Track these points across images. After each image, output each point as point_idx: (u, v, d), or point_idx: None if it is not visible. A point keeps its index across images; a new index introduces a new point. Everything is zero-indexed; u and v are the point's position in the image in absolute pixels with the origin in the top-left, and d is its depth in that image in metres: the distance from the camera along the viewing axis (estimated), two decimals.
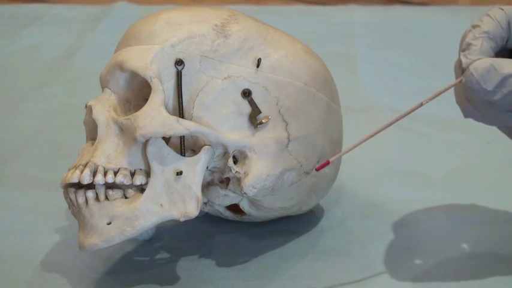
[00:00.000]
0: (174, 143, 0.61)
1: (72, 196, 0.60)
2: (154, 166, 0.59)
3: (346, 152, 0.60)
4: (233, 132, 0.61)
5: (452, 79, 0.60)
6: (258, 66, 0.62)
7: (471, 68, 0.57)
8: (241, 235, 0.69)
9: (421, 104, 0.60)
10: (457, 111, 0.99)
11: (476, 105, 0.59)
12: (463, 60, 0.58)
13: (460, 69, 0.59)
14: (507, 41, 0.60)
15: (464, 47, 0.59)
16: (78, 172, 0.59)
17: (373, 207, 0.74)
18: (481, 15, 0.60)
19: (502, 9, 0.59)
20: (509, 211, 0.72)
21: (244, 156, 0.61)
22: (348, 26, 1.31)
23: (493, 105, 0.58)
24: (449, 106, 0.98)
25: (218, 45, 0.62)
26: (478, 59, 0.57)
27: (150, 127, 0.59)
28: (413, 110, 0.60)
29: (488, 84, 0.56)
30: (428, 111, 0.96)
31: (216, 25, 0.62)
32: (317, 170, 0.61)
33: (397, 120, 0.60)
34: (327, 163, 0.60)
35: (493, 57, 0.58)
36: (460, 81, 0.58)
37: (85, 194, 0.59)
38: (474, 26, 0.59)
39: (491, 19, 0.59)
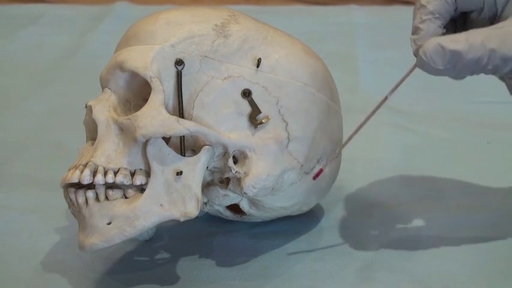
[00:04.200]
0: (174, 143, 0.61)
1: (72, 196, 0.60)
2: (154, 166, 0.59)
3: (332, 159, 0.61)
4: (233, 132, 0.61)
5: None
6: (258, 66, 0.62)
7: (420, 52, 0.59)
8: (241, 235, 0.69)
9: (386, 98, 0.61)
10: (456, 111, 1.00)
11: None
12: (413, 46, 0.60)
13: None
14: (456, 9, 0.61)
15: (412, 31, 0.61)
16: (78, 172, 0.59)
17: (373, 207, 0.74)
18: None
19: None
20: (509, 211, 0.72)
21: (244, 156, 0.61)
22: (348, 26, 1.31)
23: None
24: (449, 106, 0.99)
25: (218, 45, 0.62)
26: (425, 42, 0.59)
27: (150, 127, 0.59)
28: (380, 105, 0.62)
29: (439, 64, 0.58)
30: (428, 111, 0.97)
31: (216, 25, 0.62)
32: (314, 179, 0.62)
33: (367, 119, 0.62)
34: (321, 171, 0.61)
35: (442, 34, 0.60)
36: (415, 66, 0.60)
37: (85, 194, 0.60)
38: (421, 6, 0.61)
39: None
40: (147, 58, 0.60)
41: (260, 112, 0.61)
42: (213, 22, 0.62)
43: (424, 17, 0.60)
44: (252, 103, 0.61)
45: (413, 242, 0.68)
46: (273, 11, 1.40)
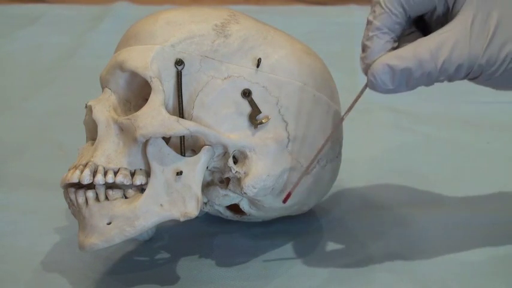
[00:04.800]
0: (174, 143, 0.61)
1: (72, 196, 0.60)
2: (154, 166, 0.59)
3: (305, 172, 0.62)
4: (233, 132, 0.61)
5: None
6: (258, 66, 0.62)
7: (369, 74, 0.57)
8: (241, 235, 0.69)
9: (343, 119, 0.61)
10: (456, 111, 1.00)
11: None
12: (361, 65, 0.58)
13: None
14: (409, 17, 0.58)
15: (362, 48, 0.58)
16: (78, 172, 0.59)
17: (373, 207, 0.74)
18: (374, 2, 0.58)
19: None
20: (509, 211, 0.72)
21: (244, 156, 0.61)
22: (348, 26, 1.31)
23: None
24: (449, 106, 0.99)
25: (218, 45, 0.62)
26: (374, 61, 0.57)
27: (150, 127, 0.59)
28: (337, 127, 0.63)
29: (389, 84, 0.57)
30: (428, 111, 0.97)
31: (216, 25, 0.62)
32: (284, 202, 0.62)
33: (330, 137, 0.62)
34: (289, 194, 0.61)
35: (392, 48, 0.58)
36: (366, 86, 0.58)
37: (85, 194, 0.60)
38: (368, 22, 0.58)
39: (382, 8, 0.57)
40: (147, 58, 0.60)
41: (260, 112, 0.61)
42: (213, 22, 0.62)
43: (371, 34, 0.57)
44: (252, 103, 0.61)
45: (413, 242, 0.68)
46: (273, 11, 1.40)
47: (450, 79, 0.57)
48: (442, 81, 0.57)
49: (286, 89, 0.62)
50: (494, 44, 0.56)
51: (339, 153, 0.69)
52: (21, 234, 0.70)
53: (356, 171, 0.80)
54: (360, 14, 1.36)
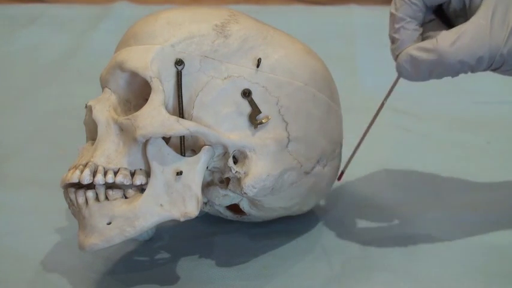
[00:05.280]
0: (174, 143, 0.61)
1: (72, 196, 0.60)
2: (154, 166, 0.59)
3: None
4: (233, 132, 0.61)
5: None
6: (258, 66, 0.62)
7: (396, 64, 0.61)
8: (241, 235, 0.69)
9: (383, 104, 0.66)
10: (456, 111, 1.00)
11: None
12: (393, 56, 0.62)
13: None
14: (426, 6, 0.62)
15: (391, 40, 0.62)
16: (78, 172, 0.59)
17: (373, 207, 0.74)
18: None
19: None
20: (509, 211, 0.72)
21: (244, 156, 0.61)
22: (348, 26, 1.31)
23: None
24: (449, 106, 0.99)
25: (218, 45, 0.62)
26: (401, 52, 0.61)
27: (150, 127, 0.59)
28: (378, 112, 0.67)
29: (414, 73, 0.61)
30: (428, 111, 0.97)
31: (216, 25, 0.62)
32: (338, 180, 0.66)
33: (370, 126, 0.68)
34: (342, 173, 0.65)
35: (420, 34, 0.62)
36: (398, 77, 0.63)
37: (85, 194, 0.59)
38: (391, 15, 0.62)
39: (402, 0, 0.61)
40: (147, 58, 0.60)
41: (260, 112, 0.61)
42: (213, 22, 0.62)
43: (397, 25, 0.61)
44: (252, 103, 0.61)
45: (413, 242, 0.68)
46: (273, 11, 1.40)
47: (473, 70, 0.60)
48: (465, 72, 0.60)
49: (286, 89, 0.62)
50: None
51: (339, 153, 0.69)
52: (21, 234, 0.70)
53: (356, 171, 0.80)
54: (360, 14, 1.36)
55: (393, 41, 0.62)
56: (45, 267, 0.65)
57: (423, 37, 0.62)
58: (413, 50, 0.60)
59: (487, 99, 0.98)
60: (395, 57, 0.62)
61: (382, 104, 0.65)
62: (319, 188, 0.67)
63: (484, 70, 0.60)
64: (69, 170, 0.61)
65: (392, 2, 0.62)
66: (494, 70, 0.61)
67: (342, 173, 0.69)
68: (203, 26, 0.62)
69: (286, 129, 0.62)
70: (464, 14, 0.61)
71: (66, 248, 0.67)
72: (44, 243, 0.68)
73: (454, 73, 0.60)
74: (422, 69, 0.60)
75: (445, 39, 0.59)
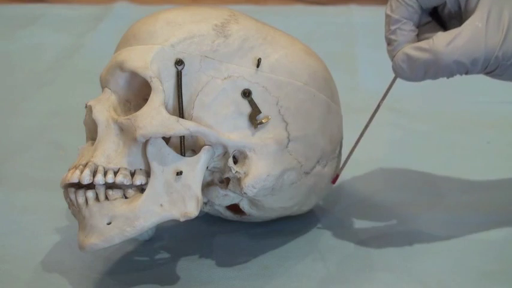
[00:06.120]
0: (174, 143, 0.61)
1: (72, 196, 0.60)
2: (154, 166, 0.59)
3: None
4: (233, 132, 0.61)
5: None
6: (258, 66, 0.62)
7: (392, 64, 0.61)
8: (241, 235, 0.69)
9: (379, 106, 0.65)
10: (456, 111, 1.00)
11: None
12: (390, 57, 0.62)
13: None
14: (422, 9, 0.62)
15: (387, 42, 0.62)
16: (78, 172, 0.59)
17: (373, 207, 0.74)
18: None
19: None
20: (509, 211, 0.72)
21: (244, 156, 0.61)
22: (348, 26, 1.31)
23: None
24: (449, 106, 0.99)
25: (218, 45, 0.62)
26: (397, 52, 0.61)
27: (150, 127, 0.59)
28: (375, 113, 0.66)
29: (409, 72, 0.61)
30: (428, 111, 0.97)
31: (216, 25, 0.62)
32: (333, 183, 0.65)
33: (366, 127, 0.66)
34: (337, 176, 0.65)
35: (416, 35, 0.62)
36: (395, 77, 0.63)
37: (85, 194, 0.59)
38: (386, 17, 0.62)
39: (398, 2, 0.61)
40: (147, 58, 0.60)
41: (260, 112, 0.61)
42: (213, 22, 0.62)
43: (393, 27, 0.61)
44: (252, 103, 0.61)
45: (413, 242, 0.68)
46: (273, 11, 1.40)
47: (467, 72, 0.60)
48: (460, 73, 0.60)
49: (286, 89, 0.62)
50: (509, 37, 0.59)
51: (339, 153, 0.69)
52: (21, 234, 0.70)
53: (356, 171, 0.80)
54: (360, 14, 1.36)
55: (389, 42, 0.62)
56: (45, 267, 0.65)
57: (419, 39, 0.62)
58: (410, 49, 0.60)
59: (487, 99, 0.98)
60: (392, 58, 0.62)
61: (379, 106, 0.65)
62: (319, 188, 0.67)
63: (479, 73, 0.60)
64: (69, 170, 0.61)
65: (388, 4, 0.62)
66: (488, 73, 0.61)
67: (337, 175, 0.69)
68: (203, 26, 0.62)
69: (286, 129, 0.62)
70: (460, 16, 0.61)
71: (66, 248, 0.67)
72: (44, 243, 0.68)
73: (449, 74, 0.60)
74: (417, 68, 0.60)
75: (441, 40, 0.59)
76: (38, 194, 0.76)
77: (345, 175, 0.74)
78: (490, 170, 0.81)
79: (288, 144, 0.62)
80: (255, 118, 0.61)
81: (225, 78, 0.61)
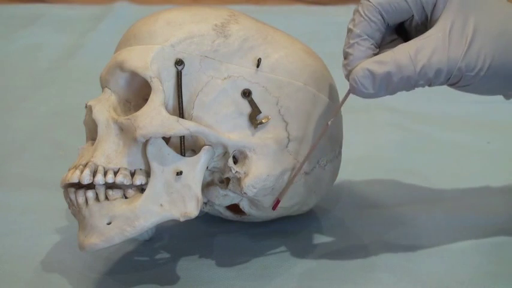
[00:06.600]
0: (174, 143, 0.61)
1: (72, 196, 0.60)
2: (154, 166, 0.59)
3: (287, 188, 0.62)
4: (233, 132, 0.61)
5: None
6: (258, 66, 0.62)
7: (350, 79, 0.58)
8: (241, 235, 0.69)
9: (328, 125, 0.62)
10: (456, 111, 1.00)
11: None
12: (344, 72, 0.60)
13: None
14: (388, 24, 0.59)
15: (344, 55, 0.60)
16: (78, 172, 0.59)
17: (373, 207, 0.74)
18: (354, 11, 0.60)
19: (369, 1, 0.59)
20: (509, 211, 0.72)
21: (244, 156, 0.61)
22: None
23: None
24: (449, 106, 0.99)
25: (218, 45, 0.62)
26: (355, 67, 0.58)
27: (150, 127, 0.59)
28: (322, 134, 0.63)
29: (369, 88, 0.58)
30: (428, 111, 0.97)
31: (216, 25, 0.62)
32: (273, 209, 0.63)
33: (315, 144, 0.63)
34: (278, 202, 0.63)
35: (373, 54, 0.59)
36: (349, 92, 0.59)
37: (85, 194, 0.59)
38: (348, 30, 0.60)
39: (361, 17, 0.59)
40: (147, 58, 0.60)
41: (260, 112, 0.61)
42: (213, 22, 0.62)
43: (351, 41, 0.59)
44: (252, 103, 0.61)
45: (413, 242, 0.68)
46: (273, 11, 1.40)
47: (430, 83, 0.58)
48: (422, 85, 0.58)
49: (286, 89, 0.62)
50: (472, 48, 0.57)
51: (339, 153, 0.69)
52: (21, 234, 0.70)
53: (356, 171, 0.80)
54: None
55: (346, 56, 0.60)
56: (45, 267, 0.65)
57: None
58: (371, 63, 0.58)
59: (487, 99, 0.97)
60: (348, 74, 0.59)
61: (327, 125, 0.62)
62: (319, 188, 0.67)
63: (442, 84, 0.59)
64: (69, 170, 0.61)
65: (352, 17, 0.60)
66: (451, 85, 0.59)
67: (278, 201, 0.64)
68: (203, 26, 0.62)
69: (286, 129, 0.62)
70: (426, 29, 0.59)
71: (66, 248, 0.67)
72: (44, 243, 0.68)
73: (411, 86, 0.58)
74: (379, 83, 0.57)
75: (403, 51, 0.57)
76: (38, 194, 0.76)
77: (344, 175, 0.74)
78: (490, 170, 0.81)
79: (288, 144, 0.62)
80: (255, 118, 0.61)
81: (225, 78, 0.61)
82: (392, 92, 0.58)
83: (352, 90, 0.58)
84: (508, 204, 0.74)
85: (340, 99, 0.63)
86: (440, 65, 0.57)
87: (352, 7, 1.48)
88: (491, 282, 0.62)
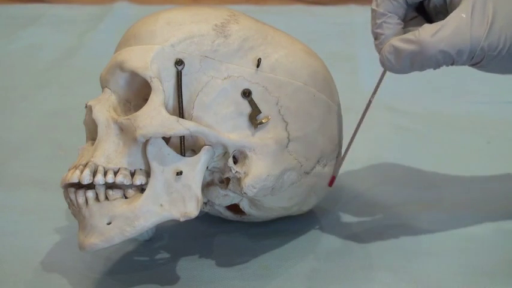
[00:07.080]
0: (174, 143, 0.61)
1: (72, 196, 0.60)
2: (154, 166, 0.59)
3: None
4: (233, 132, 0.61)
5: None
6: (258, 66, 0.62)
7: (380, 57, 0.62)
8: (241, 235, 0.69)
9: (370, 101, 0.66)
10: (456, 111, 1.00)
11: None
12: (377, 51, 0.63)
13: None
14: (407, 4, 0.63)
15: (374, 36, 0.63)
16: (78, 172, 0.59)
17: (373, 207, 0.74)
18: None
19: None
20: (509, 211, 0.72)
21: (244, 156, 0.61)
22: (348, 26, 1.31)
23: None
24: (449, 106, 0.99)
25: (218, 45, 0.62)
26: (384, 45, 0.62)
27: (150, 127, 0.59)
28: (366, 109, 0.66)
29: (396, 64, 0.61)
30: (428, 111, 0.97)
31: (216, 25, 0.62)
32: (329, 185, 0.65)
33: (359, 124, 0.66)
34: (333, 178, 0.65)
35: (402, 28, 0.62)
36: (385, 71, 0.63)
37: (85, 194, 0.59)
38: (372, 11, 0.63)
39: None
40: (147, 58, 0.60)
41: (260, 112, 0.61)
42: (213, 22, 0.62)
43: (378, 21, 0.62)
44: (252, 103, 0.61)
45: (413, 242, 0.68)
46: (273, 11, 1.40)
47: (454, 63, 0.60)
48: (446, 64, 0.61)
49: (286, 89, 0.62)
50: (494, 28, 0.59)
51: (339, 153, 0.69)
52: (21, 234, 0.70)
53: (356, 171, 0.80)
54: (360, 14, 1.36)
55: (376, 36, 0.63)
56: (45, 267, 0.65)
57: (405, 33, 0.62)
58: (396, 41, 0.61)
59: (487, 99, 0.98)
60: (379, 51, 0.62)
61: (370, 102, 0.66)
62: (319, 188, 0.67)
63: (465, 64, 0.61)
64: (69, 170, 0.61)
65: None
66: (474, 65, 0.61)
67: (334, 178, 0.68)
68: (203, 26, 0.62)
69: (286, 129, 0.62)
70: (445, 10, 0.62)
71: (66, 248, 0.67)
72: (44, 243, 0.68)
73: (435, 64, 0.60)
74: (404, 59, 0.60)
75: (427, 31, 0.59)
76: (38, 194, 0.76)
77: (344, 175, 0.74)
78: (490, 170, 0.81)
79: (288, 144, 0.62)
80: (255, 118, 0.61)
81: (225, 78, 0.61)
82: (418, 69, 0.61)
83: (383, 65, 0.62)
84: (507, 204, 0.74)
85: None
86: (463, 45, 0.59)
87: (352, 7, 1.49)
88: (491, 282, 0.62)
